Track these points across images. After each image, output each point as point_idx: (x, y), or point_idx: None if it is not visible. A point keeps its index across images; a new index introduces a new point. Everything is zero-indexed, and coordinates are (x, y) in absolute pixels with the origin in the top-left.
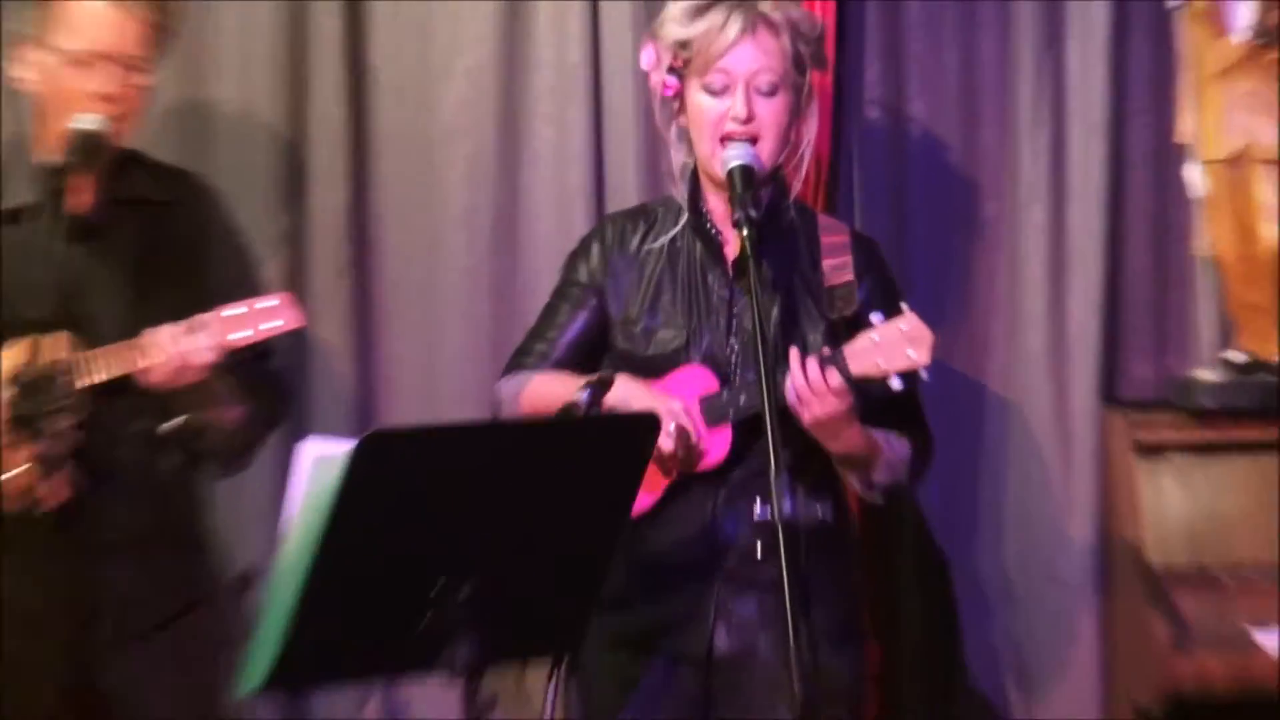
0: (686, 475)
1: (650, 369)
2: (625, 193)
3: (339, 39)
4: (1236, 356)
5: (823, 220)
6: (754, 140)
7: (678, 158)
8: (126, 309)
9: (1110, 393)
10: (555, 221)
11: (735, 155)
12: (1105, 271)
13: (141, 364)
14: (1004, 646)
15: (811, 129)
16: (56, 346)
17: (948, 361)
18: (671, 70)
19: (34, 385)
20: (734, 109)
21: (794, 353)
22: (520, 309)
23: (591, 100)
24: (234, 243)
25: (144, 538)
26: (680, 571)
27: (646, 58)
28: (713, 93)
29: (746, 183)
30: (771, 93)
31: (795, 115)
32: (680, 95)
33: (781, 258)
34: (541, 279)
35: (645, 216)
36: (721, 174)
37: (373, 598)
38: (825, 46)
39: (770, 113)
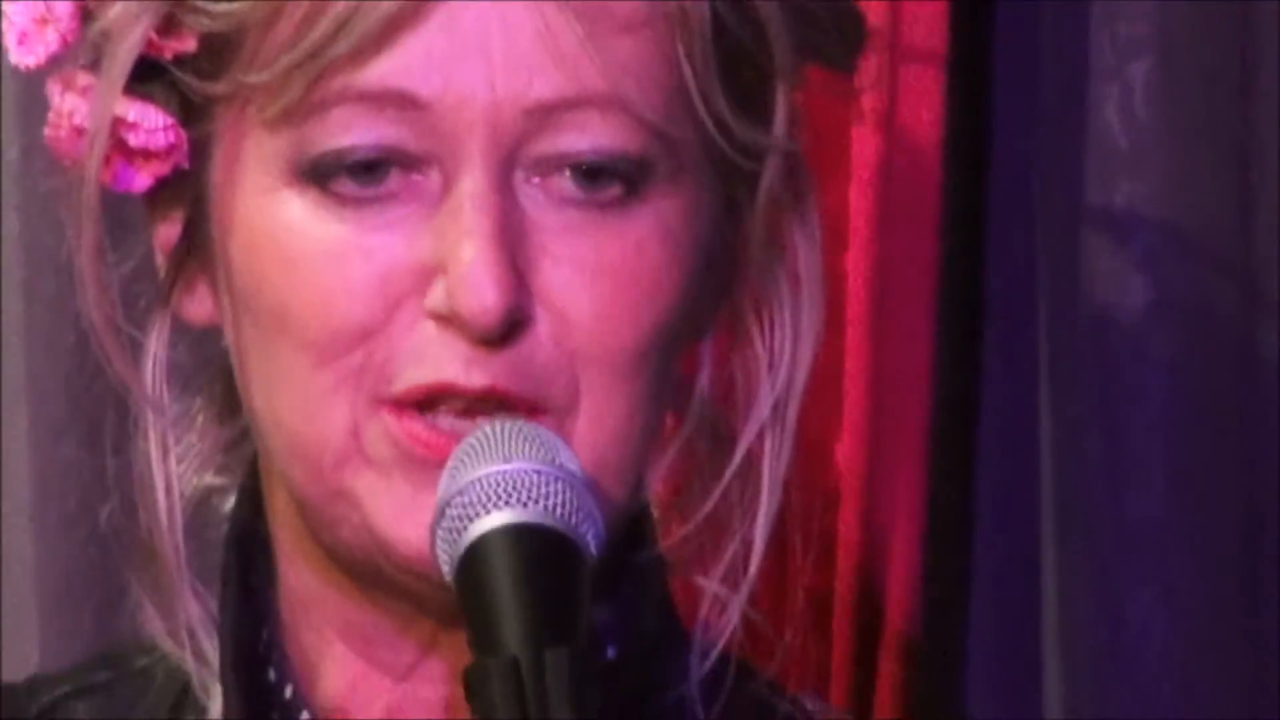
0: None
1: None
2: None
3: None
4: None
5: None
6: (533, 410)
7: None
8: None
9: None
10: None
11: (483, 488)
12: None
13: None
14: None
15: (802, 334)
16: None
17: None
18: (149, 80)
19: None
20: (450, 269)
21: None
22: None
23: None
24: None
25: None
26: None
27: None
28: (337, 180)
29: (542, 593)
30: (622, 180)
31: (710, 270)
32: (190, 177)
33: None
34: None
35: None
36: (410, 546)
37: None
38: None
39: (602, 268)
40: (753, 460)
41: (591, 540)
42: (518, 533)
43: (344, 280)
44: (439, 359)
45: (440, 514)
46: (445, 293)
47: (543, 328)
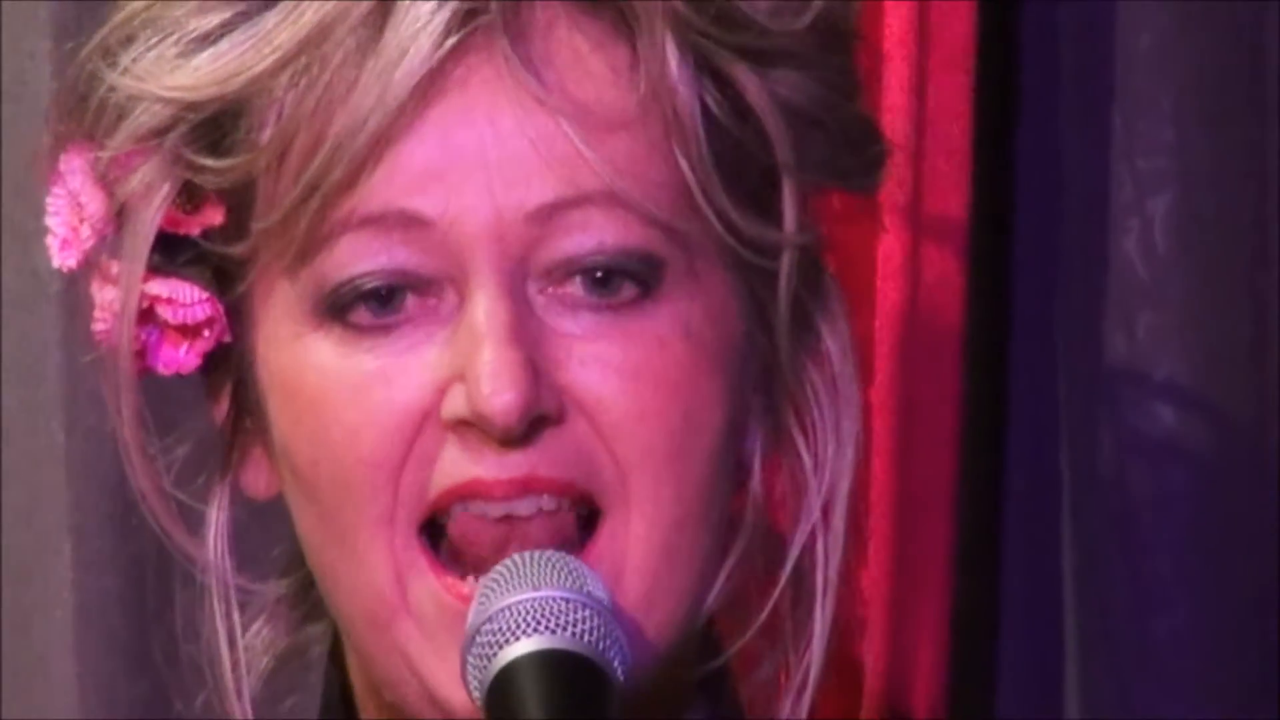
0: None
1: None
2: None
3: None
4: None
5: None
6: (580, 498)
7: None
8: None
9: None
10: None
11: (512, 615)
12: None
13: None
14: None
15: (844, 435)
16: None
17: None
18: (180, 255)
19: None
20: (468, 374)
21: None
22: None
23: None
24: None
25: None
26: None
27: (62, 216)
28: (355, 311)
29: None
30: (633, 281)
31: (743, 367)
32: (234, 348)
33: None
34: None
35: None
36: (467, 708)
37: None
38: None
39: (628, 368)
40: (804, 568)
41: (619, 666)
42: (546, 658)
43: (368, 412)
44: (465, 464)
45: (470, 641)
46: (465, 398)
47: (579, 424)
